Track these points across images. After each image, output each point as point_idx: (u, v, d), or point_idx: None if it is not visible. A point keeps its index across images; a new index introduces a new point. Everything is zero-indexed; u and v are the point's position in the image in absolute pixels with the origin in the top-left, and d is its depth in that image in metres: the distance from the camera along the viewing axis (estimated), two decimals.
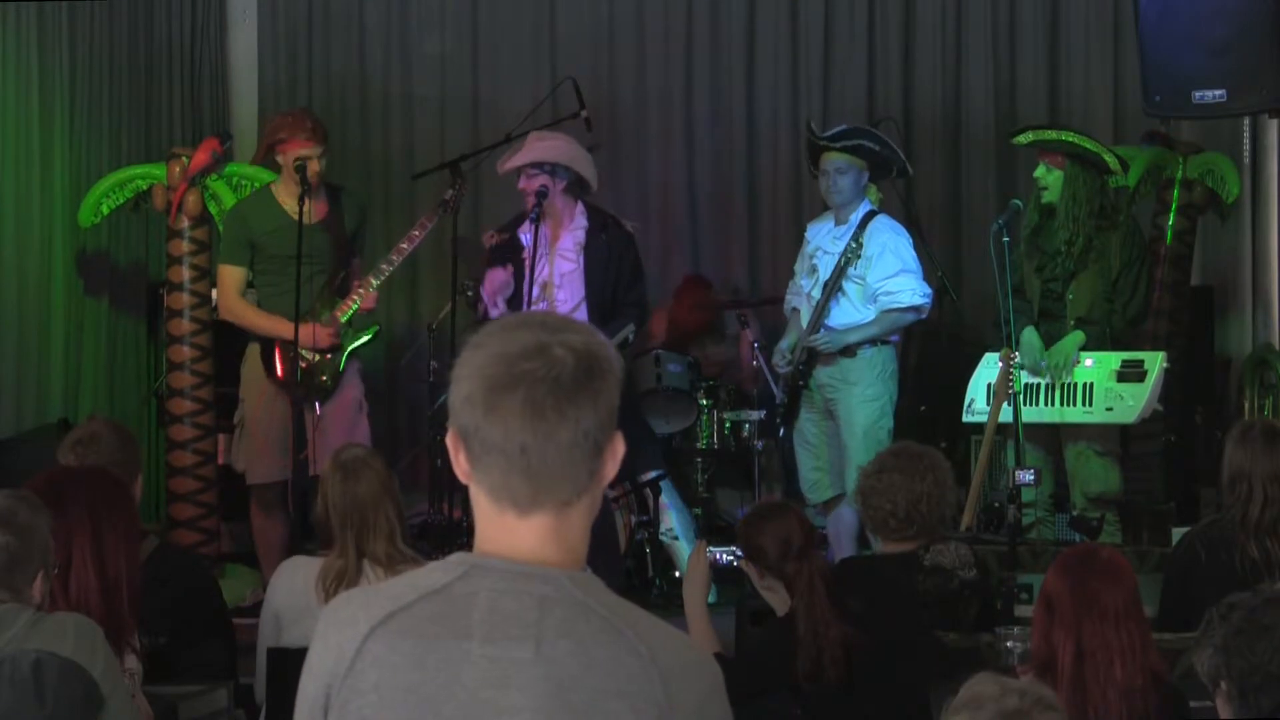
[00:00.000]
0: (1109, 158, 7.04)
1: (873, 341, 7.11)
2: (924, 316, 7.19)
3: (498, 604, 2.01)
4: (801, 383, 7.22)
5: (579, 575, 2.04)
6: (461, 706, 1.99)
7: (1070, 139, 7.13)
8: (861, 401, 7.08)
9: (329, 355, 7.00)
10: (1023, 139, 7.29)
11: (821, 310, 7.11)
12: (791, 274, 7.59)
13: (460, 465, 2.05)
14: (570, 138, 7.27)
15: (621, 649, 2.00)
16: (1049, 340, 7.01)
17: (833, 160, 7.17)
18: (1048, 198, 7.04)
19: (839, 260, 7.05)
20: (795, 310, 7.42)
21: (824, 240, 7.28)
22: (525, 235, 7.06)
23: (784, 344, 7.35)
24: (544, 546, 2.04)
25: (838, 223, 7.24)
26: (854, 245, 7.01)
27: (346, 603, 2.10)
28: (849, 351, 7.12)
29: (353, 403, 7.06)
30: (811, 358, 7.17)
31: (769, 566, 4.59)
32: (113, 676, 3.49)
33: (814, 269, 7.28)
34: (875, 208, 7.24)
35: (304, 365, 6.95)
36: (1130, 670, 3.65)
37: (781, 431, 7.42)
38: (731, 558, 4.61)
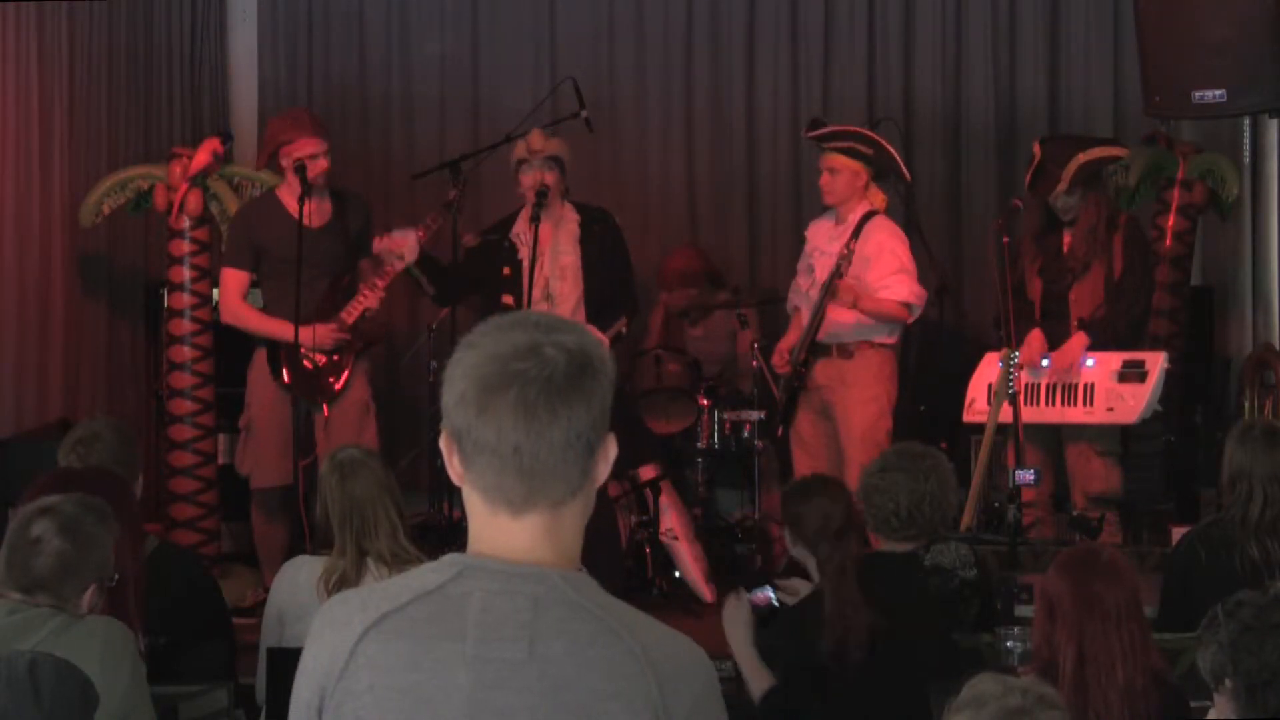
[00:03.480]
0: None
1: (870, 343, 7.11)
2: (913, 318, 7.17)
3: (492, 605, 2.00)
4: (798, 384, 7.22)
5: (573, 575, 2.04)
6: (456, 707, 1.99)
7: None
8: (859, 403, 7.08)
9: (336, 356, 7.00)
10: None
11: (818, 312, 7.11)
12: (793, 273, 7.60)
13: (454, 467, 2.05)
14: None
15: (616, 649, 1.99)
16: (1052, 341, 7.01)
17: (828, 159, 7.20)
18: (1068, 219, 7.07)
19: (835, 266, 7.04)
20: (797, 309, 7.43)
21: (822, 240, 7.29)
22: (525, 235, 7.09)
23: (783, 344, 7.35)
24: (538, 547, 2.03)
25: (836, 222, 7.25)
26: (846, 252, 7.01)
27: (340, 604, 2.09)
28: (847, 352, 7.12)
29: (359, 404, 7.05)
30: (810, 358, 7.18)
31: (803, 537, 4.60)
32: (139, 685, 3.47)
33: (811, 269, 7.29)
34: (876, 210, 7.24)
35: (310, 367, 6.95)
36: (1131, 671, 3.65)
37: (780, 431, 7.43)
38: (769, 596, 4.55)
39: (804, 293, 7.31)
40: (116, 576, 3.64)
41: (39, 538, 3.47)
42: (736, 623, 4.57)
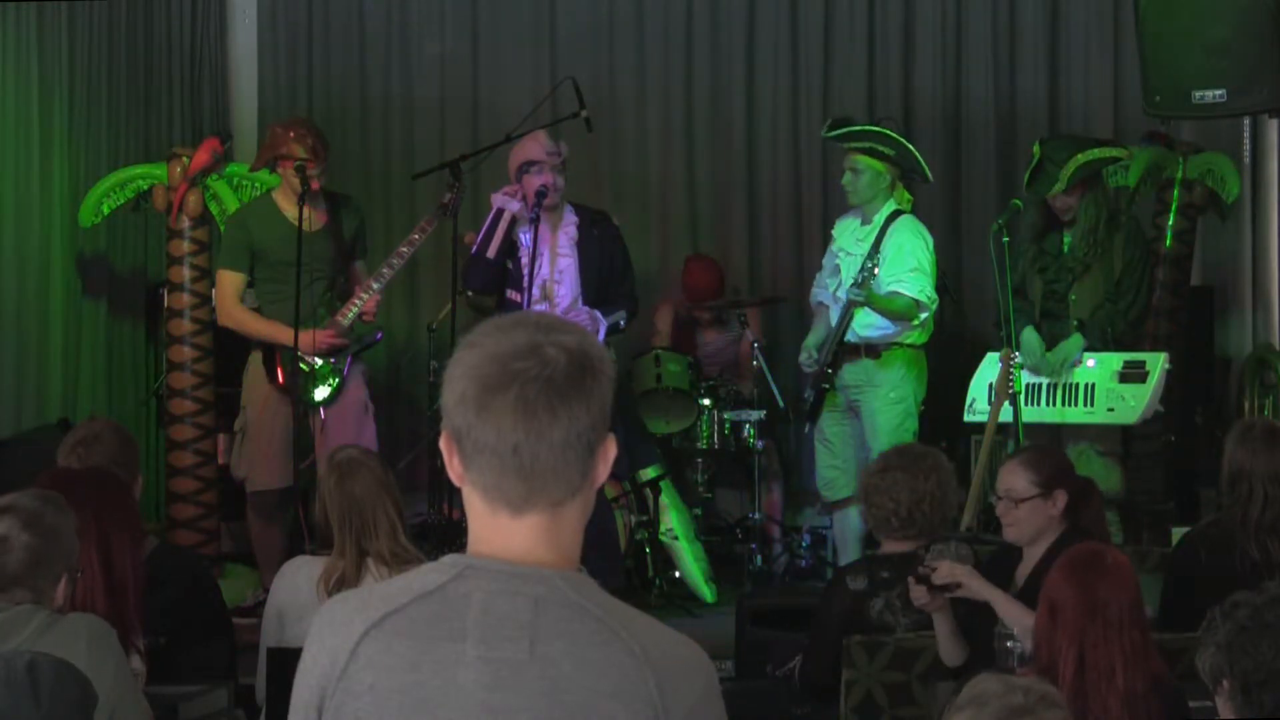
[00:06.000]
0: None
1: (899, 344, 7.11)
2: (922, 317, 7.15)
3: (492, 605, 2.00)
4: (826, 385, 7.21)
5: (573, 576, 2.04)
6: (456, 708, 1.99)
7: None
8: (886, 403, 7.09)
9: (332, 359, 6.99)
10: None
11: (845, 314, 7.10)
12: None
13: (454, 467, 2.05)
14: None
15: (616, 649, 1.99)
16: (1051, 340, 7.01)
17: (850, 159, 7.19)
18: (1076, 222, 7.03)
19: (860, 274, 7.00)
20: (821, 305, 7.41)
21: (847, 240, 7.27)
22: (524, 234, 7.08)
23: (810, 340, 7.33)
24: (537, 547, 2.03)
25: (863, 222, 7.23)
26: (870, 265, 6.96)
27: (340, 604, 2.09)
28: (874, 352, 7.12)
29: (357, 405, 7.05)
30: (838, 358, 7.17)
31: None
32: (124, 680, 3.48)
33: (837, 269, 7.28)
34: (903, 209, 7.22)
35: (306, 370, 6.94)
36: (1132, 676, 3.64)
37: (807, 428, 7.44)
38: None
39: (830, 293, 7.30)
40: (81, 570, 3.67)
41: (5, 536, 3.49)
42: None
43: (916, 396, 7.18)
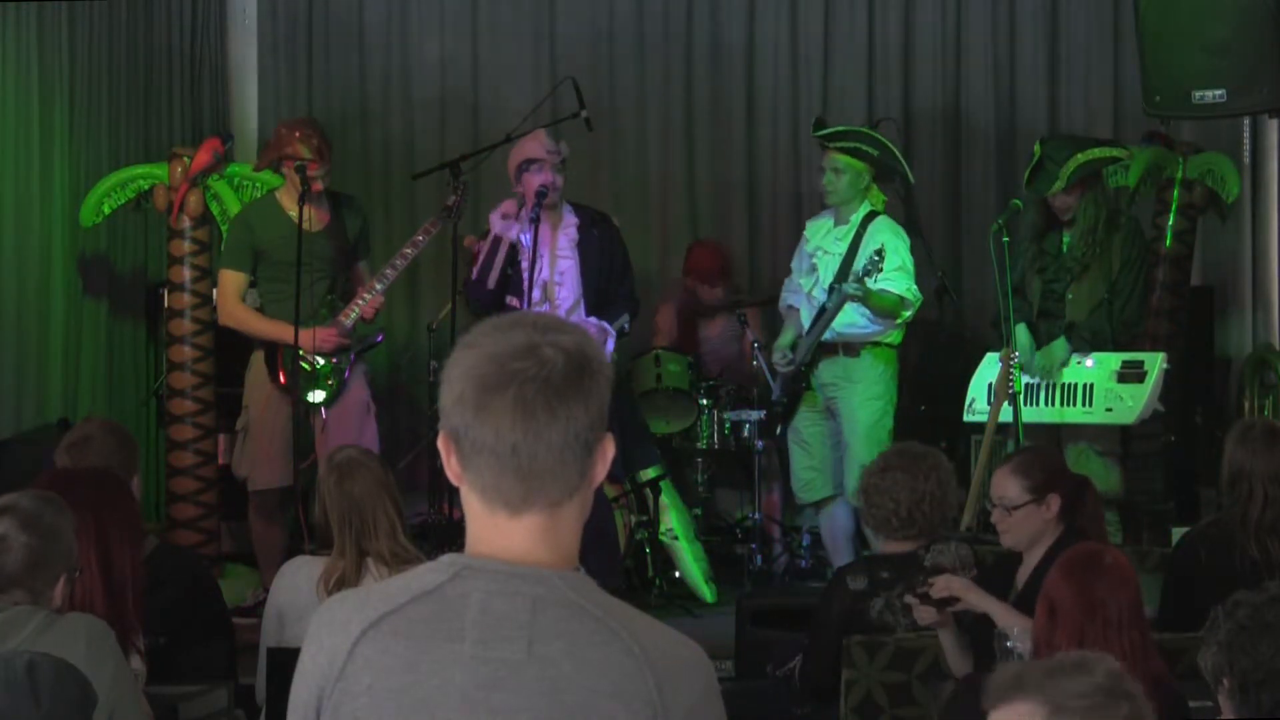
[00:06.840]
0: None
1: (875, 343, 7.12)
2: (907, 315, 7.14)
3: (490, 605, 2.00)
4: (804, 384, 7.22)
5: (571, 575, 2.04)
6: (454, 708, 1.99)
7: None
8: (864, 400, 7.10)
9: (334, 359, 6.99)
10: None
11: (826, 312, 7.09)
12: (789, 272, 7.59)
13: (452, 468, 2.05)
14: None
15: (615, 649, 1.99)
16: (1048, 340, 7.01)
17: (832, 159, 7.18)
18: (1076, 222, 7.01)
19: (863, 268, 6.99)
20: (792, 308, 7.41)
21: (824, 240, 7.27)
22: (525, 236, 7.07)
23: (784, 341, 7.33)
24: (536, 547, 2.03)
25: (838, 222, 7.24)
26: (876, 259, 6.95)
27: (339, 605, 2.09)
28: (852, 350, 7.12)
29: (359, 405, 7.05)
30: (815, 358, 7.17)
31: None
32: (123, 680, 3.48)
33: (814, 268, 7.27)
34: (877, 209, 7.24)
35: (308, 369, 6.94)
36: (1131, 676, 3.64)
37: (780, 429, 7.42)
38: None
39: (805, 293, 7.29)
40: (79, 570, 3.67)
41: (3, 536, 3.50)
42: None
43: (892, 395, 7.19)
